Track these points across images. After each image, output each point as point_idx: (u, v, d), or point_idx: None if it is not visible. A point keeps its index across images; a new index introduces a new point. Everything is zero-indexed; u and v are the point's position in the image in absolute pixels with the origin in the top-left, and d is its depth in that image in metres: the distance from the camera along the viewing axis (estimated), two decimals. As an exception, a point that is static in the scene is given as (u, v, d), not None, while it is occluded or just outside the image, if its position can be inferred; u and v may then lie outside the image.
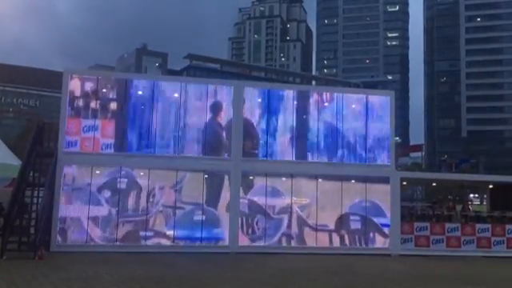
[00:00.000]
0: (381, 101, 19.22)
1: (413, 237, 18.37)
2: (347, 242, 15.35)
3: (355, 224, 15.08)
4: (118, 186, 15.20)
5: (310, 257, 16.11)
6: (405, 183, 20.91)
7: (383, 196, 17.72)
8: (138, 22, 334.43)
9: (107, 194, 15.20)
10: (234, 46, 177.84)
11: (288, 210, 15.15)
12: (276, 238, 15.10)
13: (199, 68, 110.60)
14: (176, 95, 17.36)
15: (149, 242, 15.00)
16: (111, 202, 15.26)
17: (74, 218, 14.81)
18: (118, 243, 15.91)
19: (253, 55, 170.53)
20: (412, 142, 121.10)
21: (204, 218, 14.68)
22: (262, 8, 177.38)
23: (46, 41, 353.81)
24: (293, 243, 15.50)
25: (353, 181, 18.49)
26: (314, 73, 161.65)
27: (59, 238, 15.27)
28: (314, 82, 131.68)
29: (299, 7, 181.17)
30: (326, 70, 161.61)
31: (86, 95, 16.00)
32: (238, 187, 17.01)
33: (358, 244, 15.95)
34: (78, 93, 16.07)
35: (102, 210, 14.82)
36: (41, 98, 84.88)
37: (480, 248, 18.76)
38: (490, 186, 22.52)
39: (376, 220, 15.45)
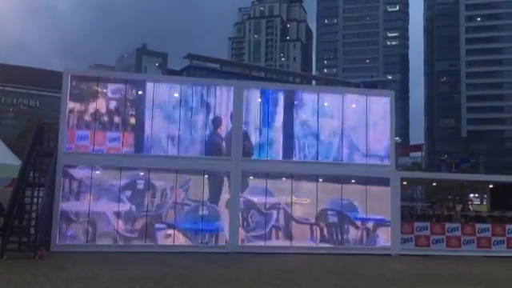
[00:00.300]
0: (381, 101, 19.29)
1: (413, 237, 18.38)
2: (325, 233, 17.01)
3: (332, 218, 16.64)
4: (137, 187, 16.95)
5: (310, 256, 16.19)
6: (405, 183, 20.92)
7: (378, 196, 18.09)
8: (138, 21, 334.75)
9: (128, 193, 16.81)
10: (234, 46, 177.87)
11: (276, 206, 16.86)
12: (267, 230, 16.82)
13: (199, 68, 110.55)
14: (176, 95, 17.65)
15: (161, 233, 16.57)
16: (131, 200, 16.80)
17: (101, 212, 16.48)
18: (120, 243, 16.28)
19: (253, 55, 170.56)
20: (412, 142, 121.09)
21: (207, 212, 16.59)
22: (261, 8, 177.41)
23: (46, 41, 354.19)
24: (280, 234, 17.09)
25: (353, 181, 18.59)
26: (313, 73, 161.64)
27: (90, 230, 16.27)
28: (314, 82, 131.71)
29: (299, 7, 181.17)
30: (325, 70, 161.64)
31: (110, 112, 17.24)
32: (238, 187, 17.23)
33: (334, 235, 17.27)
34: (103, 109, 17.18)
35: (124, 207, 16.59)
36: (41, 98, 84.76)
37: (480, 248, 18.75)
38: (490, 186, 22.52)
39: (349, 214, 17.17)
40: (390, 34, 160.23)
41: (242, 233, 17.00)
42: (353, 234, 17.31)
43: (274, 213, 16.85)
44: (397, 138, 34.08)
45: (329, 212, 16.75)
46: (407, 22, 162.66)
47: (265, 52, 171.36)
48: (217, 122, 17.43)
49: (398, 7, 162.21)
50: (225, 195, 17.00)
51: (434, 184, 29.80)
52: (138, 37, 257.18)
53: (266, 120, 17.89)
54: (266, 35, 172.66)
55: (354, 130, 18.65)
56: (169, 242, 16.58)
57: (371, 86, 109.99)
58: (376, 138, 18.78)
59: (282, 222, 16.92)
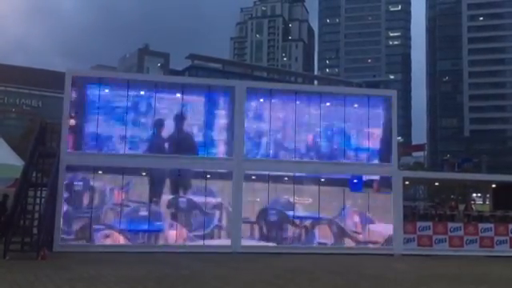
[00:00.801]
0: (383, 100, 19.35)
1: (415, 236, 18.35)
2: (265, 231, 17.10)
3: (272, 217, 16.83)
4: (75, 189, 16.85)
5: (313, 257, 16.20)
6: (407, 183, 20.90)
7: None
8: (140, 22, 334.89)
9: (66, 194, 16.53)
10: (236, 46, 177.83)
11: (219, 206, 17.01)
12: (209, 229, 16.89)
13: (201, 68, 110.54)
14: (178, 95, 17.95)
15: (100, 234, 16.38)
16: (69, 202, 16.71)
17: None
18: (122, 244, 16.27)
19: (255, 55, 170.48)
20: (414, 142, 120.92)
21: (148, 213, 16.56)
22: (263, 8, 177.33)
23: (48, 42, 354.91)
24: (222, 233, 17.09)
25: (355, 180, 18.62)
26: (316, 72, 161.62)
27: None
28: (315, 82, 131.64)
29: (301, 7, 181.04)
30: (327, 70, 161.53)
31: None
32: (240, 187, 17.26)
33: (273, 233, 17.35)
34: None
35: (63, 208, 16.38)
36: (43, 98, 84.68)
37: (483, 247, 18.71)
38: (493, 186, 22.47)
39: (288, 213, 17.39)
40: (392, 34, 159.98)
41: (184, 232, 16.88)
42: (291, 231, 17.52)
43: (217, 213, 17.04)
44: (399, 138, 34.06)
45: (269, 211, 17.01)
46: (409, 21, 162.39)
47: (267, 52, 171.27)
48: (159, 123, 17.44)
49: (399, 7, 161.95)
50: (166, 196, 17.01)
51: (437, 184, 29.77)
52: (140, 37, 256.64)
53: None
54: (268, 35, 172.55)
55: (356, 130, 18.77)
56: (108, 242, 16.28)
57: (373, 85, 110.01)
58: (378, 138, 18.87)
59: (224, 221, 17.06)
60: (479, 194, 50.58)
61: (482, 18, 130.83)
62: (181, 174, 17.03)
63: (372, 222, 17.27)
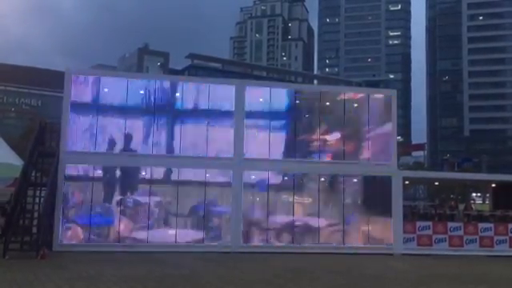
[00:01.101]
0: (383, 100, 19.35)
1: (415, 236, 18.34)
2: (196, 224, 18.40)
3: (200, 211, 18.24)
4: None
5: (312, 256, 16.22)
6: (407, 182, 20.89)
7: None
8: (141, 21, 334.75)
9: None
10: (236, 46, 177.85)
11: (159, 204, 18.46)
12: (150, 222, 18.08)
13: (201, 67, 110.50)
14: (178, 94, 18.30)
15: (63, 227, 17.08)
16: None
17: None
18: (120, 243, 16.44)
19: (254, 54, 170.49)
20: (414, 141, 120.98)
21: (101, 210, 17.90)
22: (263, 7, 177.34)
23: (49, 41, 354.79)
24: (161, 224, 18.40)
25: (355, 180, 18.63)
26: (315, 72, 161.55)
27: None
28: (315, 81, 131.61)
29: (301, 6, 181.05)
30: (327, 69, 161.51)
31: None
32: (240, 186, 17.46)
33: (200, 225, 18.21)
34: None
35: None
36: (43, 97, 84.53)
37: (482, 247, 18.70)
38: (493, 185, 22.47)
39: (214, 208, 18.75)
40: (391, 33, 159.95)
41: (129, 226, 17.68)
42: (215, 223, 18.68)
43: (157, 209, 18.50)
44: (399, 137, 34.09)
45: (197, 207, 18.54)
46: (409, 21, 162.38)
47: (266, 51, 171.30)
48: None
49: (399, 6, 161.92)
50: (116, 196, 17.96)
51: (437, 183, 29.78)
52: (140, 36, 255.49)
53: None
54: (268, 34, 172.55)
55: (356, 129, 18.83)
56: (69, 234, 16.80)
57: (373, 85, 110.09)
58: (378, 137, 18.89)
59: (162, 216, 18.50)
60: (479, 194, 50.57)
61: (481, 18, 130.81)
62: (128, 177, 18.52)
63: (273, 214, 18.45)
